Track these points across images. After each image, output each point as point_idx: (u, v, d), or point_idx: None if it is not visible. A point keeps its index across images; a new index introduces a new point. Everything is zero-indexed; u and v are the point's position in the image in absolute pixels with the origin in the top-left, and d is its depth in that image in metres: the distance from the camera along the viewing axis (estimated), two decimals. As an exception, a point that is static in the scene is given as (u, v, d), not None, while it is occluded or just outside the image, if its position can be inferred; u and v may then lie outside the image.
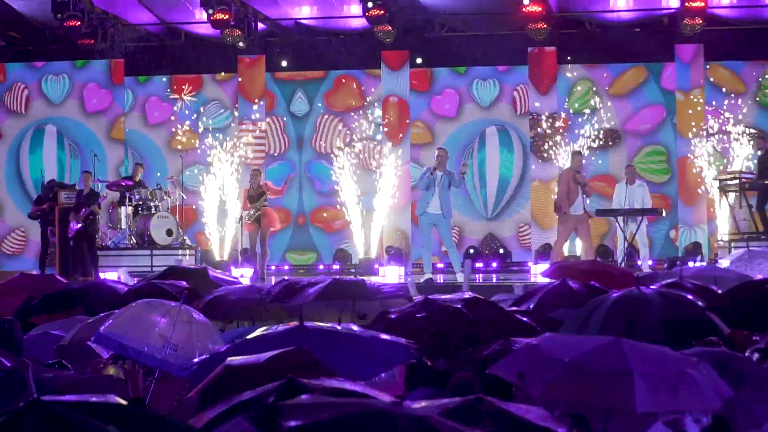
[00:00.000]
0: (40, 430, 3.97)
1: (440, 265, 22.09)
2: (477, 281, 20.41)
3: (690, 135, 22.99)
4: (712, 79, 23.48)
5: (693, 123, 23.07)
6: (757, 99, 23.38)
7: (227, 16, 22.39)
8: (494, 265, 23.19)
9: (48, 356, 8.85)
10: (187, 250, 21.77)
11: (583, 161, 20.16)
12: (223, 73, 24.87)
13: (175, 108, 24.78)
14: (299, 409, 4.38)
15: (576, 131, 23.52)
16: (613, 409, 5.66)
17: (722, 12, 23.22)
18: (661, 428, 5.83)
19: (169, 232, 21.59)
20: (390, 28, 22.58)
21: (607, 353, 5.78)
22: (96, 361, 8.16)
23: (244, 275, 19.72)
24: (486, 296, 10.88)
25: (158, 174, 23.87)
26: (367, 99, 24.48)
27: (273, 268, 22.65)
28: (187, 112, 24.73)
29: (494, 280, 20.97)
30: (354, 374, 6.29)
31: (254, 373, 5.76)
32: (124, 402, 4.38)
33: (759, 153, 20.81)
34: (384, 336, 7.54)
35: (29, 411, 4.01)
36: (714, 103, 23.29)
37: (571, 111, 23.69)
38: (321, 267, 23.53)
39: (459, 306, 9.19)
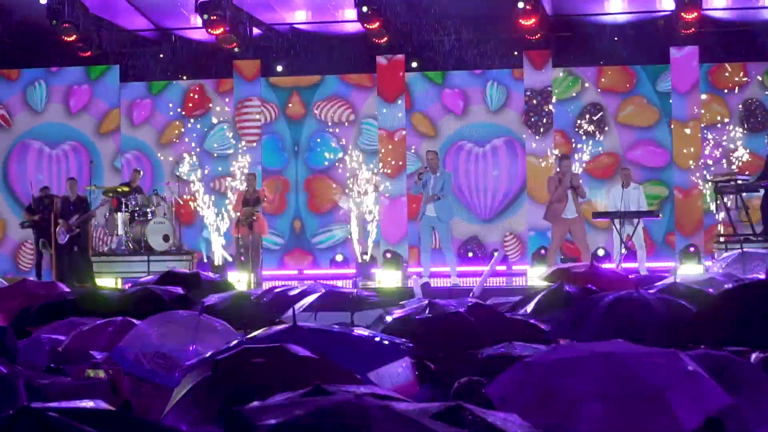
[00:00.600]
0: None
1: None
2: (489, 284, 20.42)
3: (687, 131, 23.01)
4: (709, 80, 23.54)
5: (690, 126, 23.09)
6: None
7: (222, 22, 22.39)
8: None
9: (44, 360, 8.85)
10: (184, 256, 21.74)
11: (572, 165, 20.11)
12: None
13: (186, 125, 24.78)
14: (268, 410, 4.39)
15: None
16: None
17: (717, 14, 23.24)
18: None
19: (166, 238, 21.56)
20: (385, 33, 22.63)
21: (585, 374, 5.71)
22: (79, 367, 8.15)
23: (240, 281, 19.70)
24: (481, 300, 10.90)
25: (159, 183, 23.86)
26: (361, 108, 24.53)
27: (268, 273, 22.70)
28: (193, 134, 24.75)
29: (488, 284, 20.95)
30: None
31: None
32: (111, 408, 4.38)
33: None
34: (377, 335, 7.56)
35: (19, 418, 4.01)
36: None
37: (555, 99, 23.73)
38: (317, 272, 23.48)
39: (461, 310, 9.24)
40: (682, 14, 21.81)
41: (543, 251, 22.06)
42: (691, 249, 21.58)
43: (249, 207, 20.67)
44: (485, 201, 24.21)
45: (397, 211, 23.79)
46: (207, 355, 7.01)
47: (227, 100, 24.76)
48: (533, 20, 21.98)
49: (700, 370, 5.82)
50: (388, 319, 9.62)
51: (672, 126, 23.37)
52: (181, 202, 22.84)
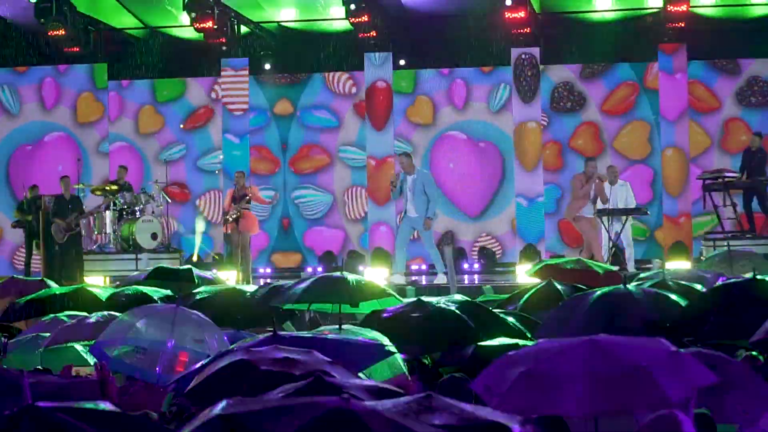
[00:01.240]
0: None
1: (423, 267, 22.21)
2: (463, 282, 20.43)
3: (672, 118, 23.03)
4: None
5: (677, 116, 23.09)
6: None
7: (210, 20, 22.38)
8: (477, 266, 23.22)
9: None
10: (172, 254, 21.71)
11: (596, 168, 20.10)
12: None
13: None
14: (256, 416, 4.38)
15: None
16: (563, 414, 5.68)
17: (706, 11, 23.27)
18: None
19: (154, 236, 21.54)
20: (373, 30, 22.63)
21: (571, 356, 5.76)
22: (66, 366, 8.15)
23: (229, 279, 19.66)
24: (472, 297, 10.92)
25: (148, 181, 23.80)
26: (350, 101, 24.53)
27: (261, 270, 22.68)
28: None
29: (479, 281, 20.99)
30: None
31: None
32: (115, 409, 4.38)
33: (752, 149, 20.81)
34: (359, 339, 7.57)
35: (24, 416, 4.01)
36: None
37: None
38: (309, 270, 23.40)
39: (452, 307, 9.27)
40: (670, 11, 21.81)
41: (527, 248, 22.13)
42: (678, 245, 21.61)
43: (236, 204, 20.64)
44: (471, 198, 24.21)
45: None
46: (198, 365, 6.96)
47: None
48: (521, 14, 21.95)
49: (683, 351, 5.86)
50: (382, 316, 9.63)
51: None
52: (169, 201, 22.78)
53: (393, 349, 7.73)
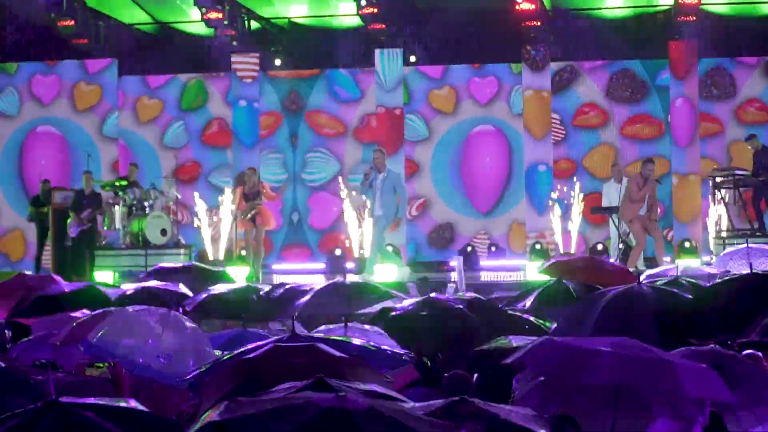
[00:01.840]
0: (56, 429, 3.99)
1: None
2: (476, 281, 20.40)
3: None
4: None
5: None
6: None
7: (220, 15, 22.37)
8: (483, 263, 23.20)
9: (42, 355, 8.82)
10: (182, 250, 21.69)
11: (653, 170, 19.99)
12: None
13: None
14: (249, 422, 4.36)
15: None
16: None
17: (717, 8, 23.21)
18: (666, 424, 5.86)
19: (164, 232, 21.52)
20: (384, 27, 22.61)
21: (603, 343, 5.94)
22: (79, 363, 8.13)
23: (239, 274, 19.64)
24: (483, 294, 10.90)
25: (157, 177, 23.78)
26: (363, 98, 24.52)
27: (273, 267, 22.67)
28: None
29: (487, 279, 20.94)
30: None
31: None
32: (141, 408, 4.37)
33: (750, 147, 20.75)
34: (372, 345, 7.53)
35: (47, 411, 4.02)
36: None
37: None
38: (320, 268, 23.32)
39: (461, 306, 9.24)
40: (681, 8, 21.76)
41: (537, 245, 22.06)
42: (687, 244, 21.52)
43: (250, 201, 20.64)
44: (484, 194, 24.21)
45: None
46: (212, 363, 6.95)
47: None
48: (533, 8, 21.95)
49: (711, 369, 5.92)
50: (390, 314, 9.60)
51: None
52: (180, 196, 22.77)
53: (403, 353, 7.70)
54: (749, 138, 20.88)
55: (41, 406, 4.09)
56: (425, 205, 24.63)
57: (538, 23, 22.43)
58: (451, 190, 24.53)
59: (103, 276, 19.60)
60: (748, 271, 9.30)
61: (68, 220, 20.82)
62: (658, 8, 23.36)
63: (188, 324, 8.25)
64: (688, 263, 19.63)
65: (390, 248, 22.23)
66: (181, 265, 15.24)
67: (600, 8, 23.57)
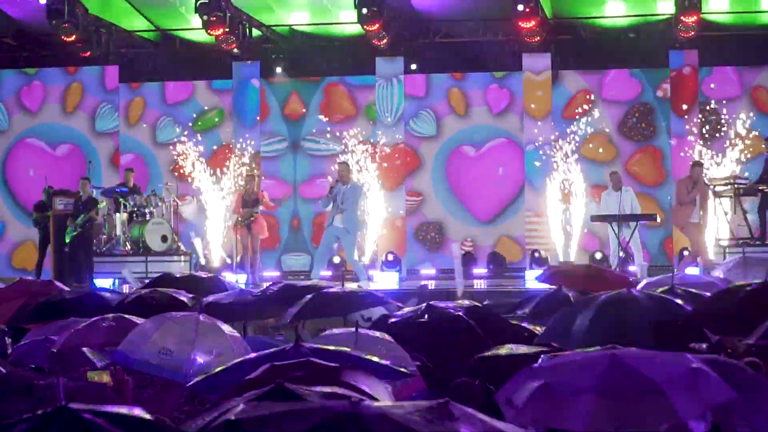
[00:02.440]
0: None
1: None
2: (473, 287, 20.40)
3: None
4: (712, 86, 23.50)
5: (687, 128, 23.03)
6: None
7: (222, 23, 22.40)
8: (485, 271, 23.21)
9: (41, 362, 8.82)
10: (182, 257, 21.71)
11: (702, 172, 19.97)
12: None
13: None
14: (260, 422, 4.38)
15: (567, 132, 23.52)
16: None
17: (717, 17, 23.24)
18: None
19: (164, 239, 21.55)
20: (385, 35, 22.63)
21: (587, 371, 5.72)
22: (81, 369, 8.14)
23: (238, 281, 19.66)
24: (479, 302, 10.90)
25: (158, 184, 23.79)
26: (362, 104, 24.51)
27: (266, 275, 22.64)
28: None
29: (488, 286, 20.95)
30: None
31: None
32: (149, 416, 4.38)
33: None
34: (375, 359, 7.52)
35: (56, 417, 4.03)
36: (708, 108, 23.33)
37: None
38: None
39: (460, 313, 9.25)
40: (682, 17, 21.81)
41: (536, 254, 22.10)
42: (685, 252, 21.54)
43: (248, 208, 20.64)
44: (484, 204, 24.20)
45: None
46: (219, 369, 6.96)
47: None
48: (532, 23, 21.97)
49: (705, 367, 5.83)
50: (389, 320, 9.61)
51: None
52: (180, 202, 22.81)
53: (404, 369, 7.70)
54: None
55: (51, 411, 4.10)
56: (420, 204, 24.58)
57: (540, 32, 22.44)
58: (452, 198, 24.49)
59: (104, 283, 19.61)
60: (743, 279, 9.33)
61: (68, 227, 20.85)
62: (659, 17, 23.36)
63: (203, 320, 8.30)
64: (687, 272, 19.69)
65: (390, 257, 22.31)
66: (179, 275, 15.16)
67: (601, 17, 23.57)
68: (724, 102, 23.27)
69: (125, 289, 17.43)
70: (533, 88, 23.66)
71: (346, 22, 23.61)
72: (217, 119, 24.85)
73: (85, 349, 9.14)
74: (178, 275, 14.86)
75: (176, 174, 23.85)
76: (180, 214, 22.73)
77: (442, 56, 24.14)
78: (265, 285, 19.52)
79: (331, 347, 7.35)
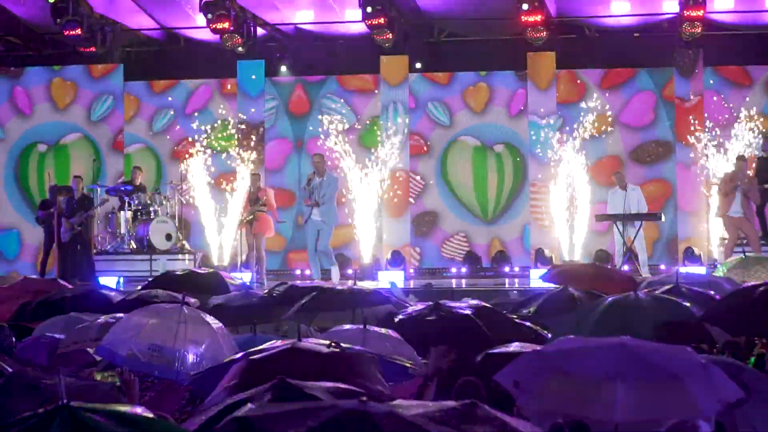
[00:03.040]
0: (67, 432, 4.01)
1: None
2: (468, 286, 20.39)
3: (689, 139, 22.88)
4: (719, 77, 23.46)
5: (692, 128, 22.97)
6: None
7: (227, 22, 22.40)
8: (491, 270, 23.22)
9: (42, 358, 8.85)
10: (187, 255, 21.73)
11: (745, 166, 19.94)
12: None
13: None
14: (269, 419, 4.39)
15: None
16: (592, 419, 5.61)
17: (722, 17, 23.21)
18: None
19: (168, 237, 21.56)
20: (389, 33, 22.62)
21: (603, 358, 5.69)
22: (88, 369, 8.14)
23: (243, 279, 19.66)
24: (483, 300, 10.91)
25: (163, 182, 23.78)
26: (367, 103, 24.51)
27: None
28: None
29: (492, 285, 20.96)
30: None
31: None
32: (151, 415, 4.39)
33: (763, 154, 20.69)
34: (386, 356, 7.53)
35: (59, 415, 4.03)
36: (715, 98, 23.24)
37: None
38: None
39: (468, 312, 9.26)
40: (686, 14, 21.75)
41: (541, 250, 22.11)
42: (690, 251, 21.55)
43: (251, 206, 20.65)
44: (487, 202, 24.18)
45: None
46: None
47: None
48: (538, 17, 21.92)
49: (711, 364, 5.83)
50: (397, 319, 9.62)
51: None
52: (184, 202, 22.82)
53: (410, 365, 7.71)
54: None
55: (52, 409, 4.10)
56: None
57: (544, 31, 22.41)
58: (453, 197, 24.46)
59: (108, 282, 19.62)
60: (743, 278, 9.35)
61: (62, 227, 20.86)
62: (663, 17, 23.32)
63: (194, 316, 8.27)
64: (692, 270, 19.72)
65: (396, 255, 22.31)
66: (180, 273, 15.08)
67: (605, 16, 23.54)
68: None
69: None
70: (538, 86, 23.65)
71: (351, 20, 23.58)
72: (227, 131, 24.71)
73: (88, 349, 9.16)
74: (178, 272, 14.85)
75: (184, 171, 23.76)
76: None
77: (447, 55, 24.11)
78: (266, 282, 19.73)
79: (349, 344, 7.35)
